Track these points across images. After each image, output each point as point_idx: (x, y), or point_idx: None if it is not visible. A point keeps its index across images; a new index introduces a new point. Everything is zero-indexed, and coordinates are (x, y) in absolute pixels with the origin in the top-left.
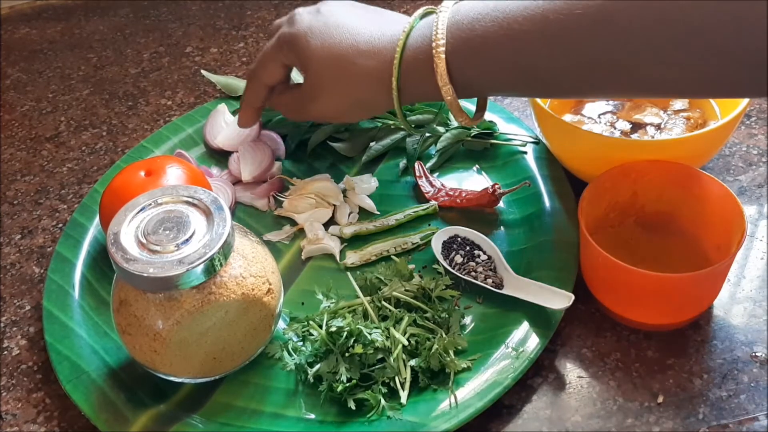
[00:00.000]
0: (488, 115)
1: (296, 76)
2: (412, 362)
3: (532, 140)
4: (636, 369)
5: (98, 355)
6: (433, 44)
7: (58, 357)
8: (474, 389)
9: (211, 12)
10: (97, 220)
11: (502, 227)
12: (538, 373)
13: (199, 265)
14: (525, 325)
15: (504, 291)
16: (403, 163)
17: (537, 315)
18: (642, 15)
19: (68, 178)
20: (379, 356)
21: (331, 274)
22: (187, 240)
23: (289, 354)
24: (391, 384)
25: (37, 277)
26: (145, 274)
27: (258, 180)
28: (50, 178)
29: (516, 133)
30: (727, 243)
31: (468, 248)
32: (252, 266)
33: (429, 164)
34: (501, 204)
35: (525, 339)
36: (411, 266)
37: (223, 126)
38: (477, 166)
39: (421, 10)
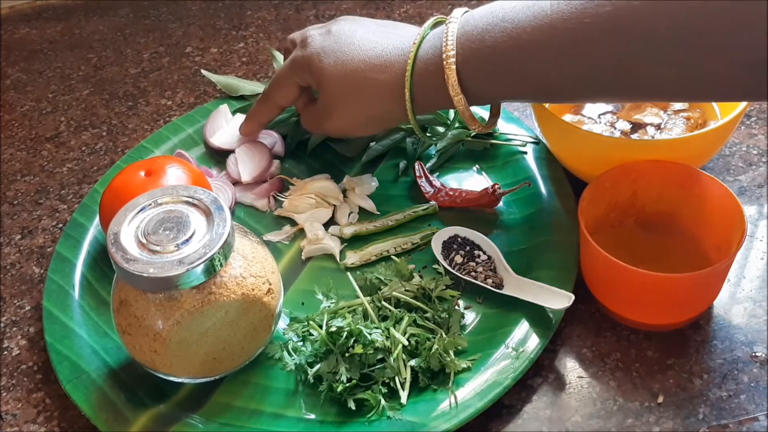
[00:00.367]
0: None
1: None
2: (412, 362)
3: (532, 140)
4: (636, 369)
5: (98, 355)
6: (444, 55)
7: (58, 357)
8: (474, 389)
9: (211, 12)
10: (97, 220)
11: (502, 227)
12: (538, 373)
13: (199, 265)
14: (525, 325)
15: (504, 291)
16: (403, 163)
17: (537, 315)
18: (651, 23)
19: (68, 178)
20: (379, 356)
21: (331, 274)
22: (187, 240)
23: (289, 354)
24: (391, 384)
25: (37, 277)
26: (145, 274)
27: (258, 180)
28: (50, 178)
29: (516, 133)
30: (727, 243)
31: (468, 248)
32: (252, 266)
33: (429, 164)
34: (501, 204)
35: (525, 339)
36: (411, 266)
37: (223, 126)
38: (477, 166)
39: (431, 21)
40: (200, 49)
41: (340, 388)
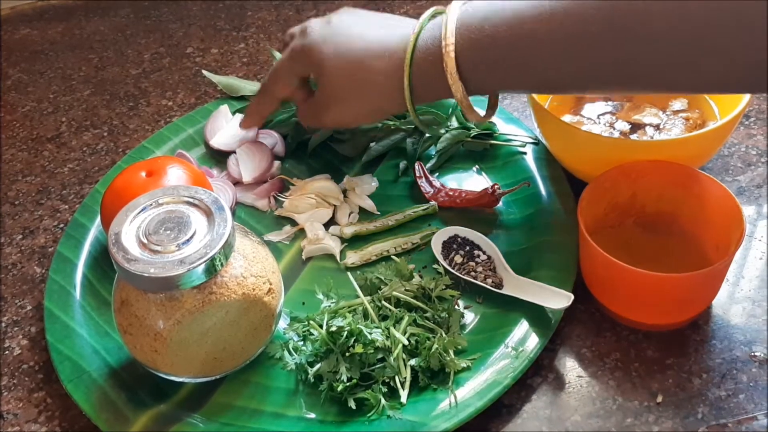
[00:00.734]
0: None
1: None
2: (412, 362)
3: (532, 140)
4: (635, 369)
5: (99, 354)
6: (443, 44)
7: (59, 357)
8: (474, 389)
9: (212, 13)
10: (98, 220)
11: (502, 227)
12: (538, 373)
13: (200, 265)
14: (525, 325)
15: (504, 291)
16: (403, 163)
17: (537, 315)
18: (651, 23)
19: (69, 178)
20: (379, 356)
21: (332, 274)
22: (188, 240)
23: (290, 353)
24: (391, 383)
25: (38, 277)
26: (146, 274)
27: (258, 180)
28: (51, 179)
29: (516, 134)
30: (726, 243)
31: (468, 248)
32: (253, 266)
33: (429, 164)
34: (501, 204)
35: (525, 339)
36: (411, 266)
37: (224, 127)
38: (477, 166)
39: (430, 11)
40: (201, 50)
41: (340, 388)
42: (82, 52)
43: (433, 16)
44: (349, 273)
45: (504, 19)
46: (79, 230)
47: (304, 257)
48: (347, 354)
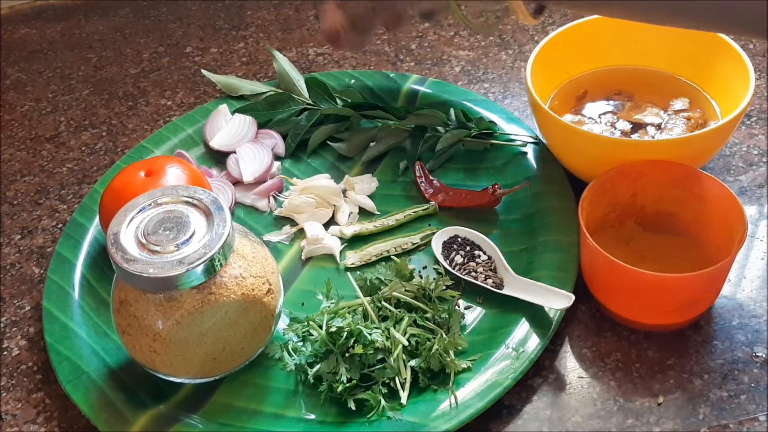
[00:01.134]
0: (488, 115)
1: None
2: (413, 362)
3: (532, 140)
4: (636, 369)
5: (98, 355)
6: None
7: (57, 357)
8: (474, 389)
9: (211, 12)
10: (97, 220)
11: (502, 227)
12: (538, 374)
13: (199, 265)
14: (525, 325)
15: (504, 291)
16: (403, 163)
17: (537, 315)
18: None
19: (68, 178)
20: (379, 356)
21: (331, 274)
22: (187, 240)
23: (289, 354)
24: (391, 384)
25: (37, 278)
26: (145, 275)
27: (259, 180)
28: (50, 179)
29: (516, 133)
30: (728, 243)
31: (468, 248)
32: (252, 266)
33: (429, 164)
34: (501, 204)
35: (525, 339)
36: (411, 266)
37: (223, 126)
38: (477, 166)
39: None
40: (200, 49)
41: (340, 389)
42: (81, 51)
43: None
44: (348, 273)
45: None
46: (77, 230)
47: (303, 257)
48: (347, 355)
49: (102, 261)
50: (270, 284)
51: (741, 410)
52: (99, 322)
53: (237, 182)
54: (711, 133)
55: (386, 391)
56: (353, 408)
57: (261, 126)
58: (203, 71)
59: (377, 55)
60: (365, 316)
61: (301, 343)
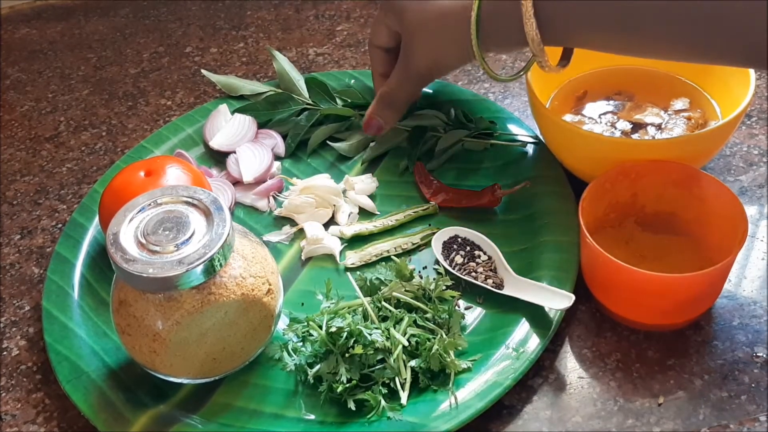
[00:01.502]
0: (488, 115)
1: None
2: (413, 363)
3: (532, 140)
4: (636, 369)
5: (98, 355)
6: None
7: (57, 357)
8: (474, 390)
9: (211, 12)
10: (96, 220)
11: (502, 227)
12: (539, 374)
13: (198, 265)
14: (525, 326)
15: (504, 291)
16: (403, 163)
17: (537, 315)
18: None
19: (68, 178)
20: (379, 357)
21: (331, 275)
22: (186, 240)
23: (289, 354)
24: (391, 385)
25: (36, 278)
26: (145, 275)
27: (259, 180)
28: (50, 179)
29: (516, 133)
30: (728, 243)
31: (468, 248)
32: (252, 267)
33: (429, 164)
34: (501, 204)
35: (525, 339)
36: (411, 266)
37: (223, 126)
38: (477, 166)
39: None
40: (200, 49)
41: (340, 389)
42: (81, 51)
43: None
44: (348, 273)
45: None
46: (77, 230)
47: (303, 257)
48: (347, 355)
49: (102, 261)
50: (270, 284)
51: (741, 410)
52: (99, 322)
53: (237, 182)
54: (711, 133)
55: (386, 391)
56: (353, 408)
57: (261, 126)
58: (203, 71)
59: None
60: (365, 316)
61: (301, 344)
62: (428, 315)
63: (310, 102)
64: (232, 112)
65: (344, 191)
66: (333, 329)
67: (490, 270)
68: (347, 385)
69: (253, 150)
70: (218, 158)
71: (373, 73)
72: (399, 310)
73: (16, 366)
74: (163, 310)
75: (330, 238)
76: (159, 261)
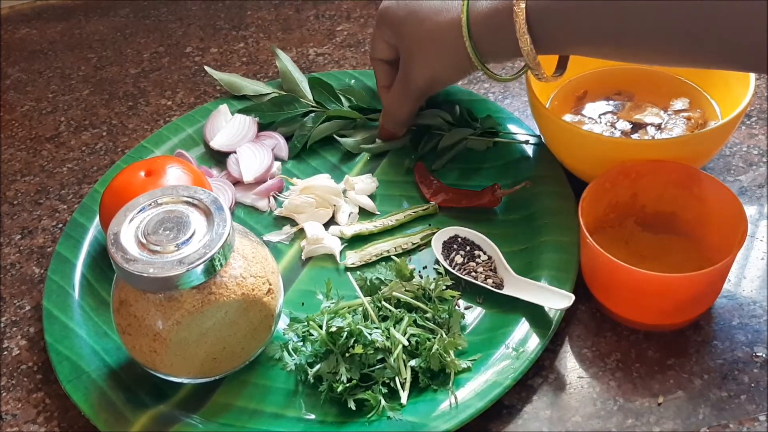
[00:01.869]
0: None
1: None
2: (413, 362)
3: (532, 140)
4: (636, 369)
5: (98, 355)
6: None
7: (58, 357)
8: (474, 389)
9: (211, 12)
10: (97, 220)
11: (502, 227)
12: (539, 374)
13: (199, 265)
14: (525, 325)
15: (504, 291)
16: (407, 161)
17: (537, 315)
18: None
19: (68, 178)
20: (380, 356)
21: (331, 274)
22: (187, 240)
23: (290, 354)
24: (392, 384)
25: (37, 278)
26: (145, 275)
27: (259, 180)
28: (50, 179)
29: (516, 133)
30: (728, 243)
31: (468, 248)
32: (252, 266)
33: (434, 164)
34: (501, 204)
35: (525, 339)
36: (411, 266)
37: (223, 127)
38: (477, 166)
39: None
40: (200, 49)
41: (340, 389)
42: (81, 51)
43: None
44: (348, 273)
45: None
46: (77, 230)
47: (303, 257)
48: (347, 355)
49: (102, 261)
50: (270, 284)
51: (741, 410)
52: (99, 322)
53: (237, 182)
54: (711, 133)
55: (386, 391)
56: (353, 408)
57: (265, 127)
58: (206, 68)
59: None
60: (365, 316)
61: (301, 343)
62: (428, 315)
63: (314, 104)
64: (233, 113)
65: (344, 191)
66: (333, 329)
67: (490, 270)
68: (347, 385)
69: (253, 150)
70: (218, 158)
71: (377, 84)
72: (399, 309)
73: (17, 366)
74: (163, 309)
75: (330, 238)
76: (159, 261)
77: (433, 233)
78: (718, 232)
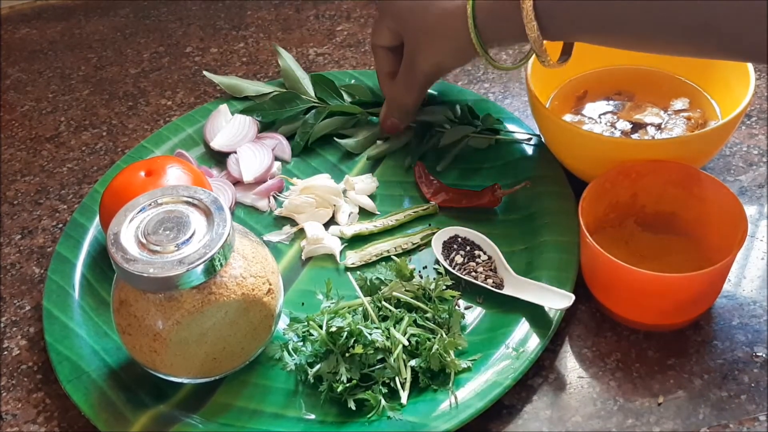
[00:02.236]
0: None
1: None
2: (413, 362)
3: (532, 140)
4: (636, 369)
5: (98, 355)
6: None
7: (58, 357)
8: (474, 389)
9: (211, 12)
10: (97, 220)
11: (502, 227)
12: (539, 374)
13: (199, 265)
14: (525, 325)
15: (504, 291)
16: (408, 159)
17: (537, 315)
18: None
19: (68, 178)
20: (380, 356)
21: (331, 274)
22: (187, 240)
23: (290, 354)
24: (392, 384)
25: (37, 278)
26: (145, 275)
27: (259, 180)
28: (50, 179)
29: (516, 132)
30: (728, 243)
31: (468, 248)
32: (252, 266)
33: (439, 165)
34: (501, 204)
35: (525, 339)
36: (411, 266)
37: (224, 127)
38: (477, 165)
39: None
40: (200, 49)
41: (340, 389)
42: (81, 51)
43: None
44: (348, 273)
45: None
46: (77, 230)
47: (303, 257)
48: (347, 355)
49: (102, 261)
50: (270, 284)
51: (741, 410)
52: (99, 322)
53: (237, 182)
54: (711, 133)
55: (386, 391)
56: (353, 408)
57: (268, 126)
58: (206, 73)
59: None
60: (365, 316)
61: (301, 343)
62: (428, 315)
63: (316, 100)
64: (233, 113)
65: (344, 191)
66: (333, 329)
67: (490, 270)
68: (347, 385)
69: (253, 150)
70: (218, 158)
71: (378, 73)
72: (399, 309)
73: (17, 366)
74: (163, 309)
75: (330, 238)
76: (159, 261)
77: (433, 233)
78: (718, 232)
